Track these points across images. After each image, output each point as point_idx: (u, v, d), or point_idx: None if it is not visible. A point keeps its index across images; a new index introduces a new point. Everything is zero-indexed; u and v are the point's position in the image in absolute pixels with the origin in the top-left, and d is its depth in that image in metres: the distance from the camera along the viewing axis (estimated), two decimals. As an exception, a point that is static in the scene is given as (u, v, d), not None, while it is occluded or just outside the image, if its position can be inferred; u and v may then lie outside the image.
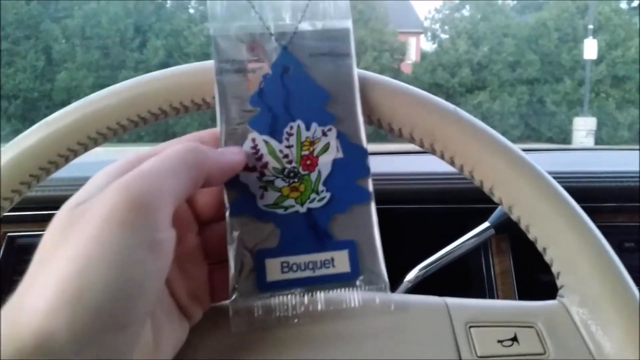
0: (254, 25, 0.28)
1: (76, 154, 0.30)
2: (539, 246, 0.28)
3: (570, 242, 0.27)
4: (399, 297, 0.29)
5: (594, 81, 11.17)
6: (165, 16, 12.00)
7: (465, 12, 13.75)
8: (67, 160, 0.30)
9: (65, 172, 0.37)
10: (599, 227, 0.27)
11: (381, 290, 0.27)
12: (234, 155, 0.26)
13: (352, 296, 0.27)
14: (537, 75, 11.92)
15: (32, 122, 0.31)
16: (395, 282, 0.56)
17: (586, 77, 10.65)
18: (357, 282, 0.27)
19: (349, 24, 0.29)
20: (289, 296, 0.27)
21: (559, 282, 0.28)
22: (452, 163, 0.30)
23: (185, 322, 0.26)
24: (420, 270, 0.56)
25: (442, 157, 0.30)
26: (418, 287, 0.56)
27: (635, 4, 12.82)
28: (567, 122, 11.03)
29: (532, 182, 0.28)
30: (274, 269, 0.27)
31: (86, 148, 0.31)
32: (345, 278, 0.27)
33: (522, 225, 0.29)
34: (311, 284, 0.27)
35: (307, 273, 0.27)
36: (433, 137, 0.29)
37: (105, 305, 0.18)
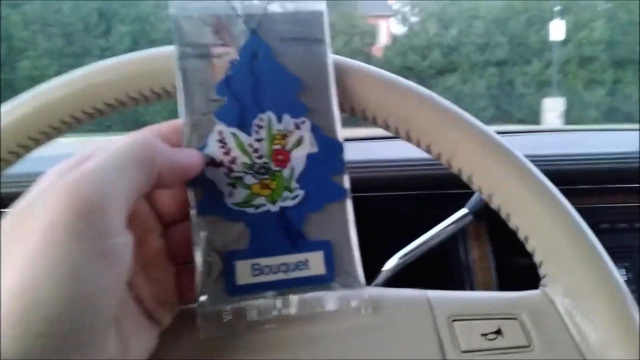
0: (219, 5, 0.26)
1: (28, 149, 0.29)
2: (521, 235, 0.28)
3: (553, 232, 0.26)
4: (378, 292, 0.28)
5: (561, 62, 11.41)
6: (130, 2, 11.72)
7: (435, -6, 13.83)
8: (18, 156, 0.29)
9: (23, 167, 0.35)
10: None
11: (357, 292, 0.26)
12: (190, 157, 0.24)
13: (328, 299, 0.26)
14: (506, 57, 12.10)
15: (-5, 113, 0.29)
16: (374, 271, 0.55)
17: (554, 58, 10.88)
18: (333, 285, 0.26)
19: (322, 6, 0.27)
20: (261, 300, 0.25)
21: (541, 272, 0.27)
22: (428, 151, 0.28)
23: (153, 327, 0.25)
24: (400, 258, 0.56)
25: (418, 145, 0.29)
26: (397, 276, 0.55)
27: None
28: (537, 103, 11.25)
29: (512, 169, 0.27)
30: (244, 271, 0.25)
31: (38, 143, 0.29)
32: (320, 280, 0.26)
33: (503, 214, 0.28)
34: (284, 287, 0.26)
35: (280, 276, 0.26)
36: (408, 124, 0.28)
37: (55, 323, 0.16)
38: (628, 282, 0.61)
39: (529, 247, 0.27)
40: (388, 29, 14.59)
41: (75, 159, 0.21)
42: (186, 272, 0.26)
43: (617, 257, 0.59)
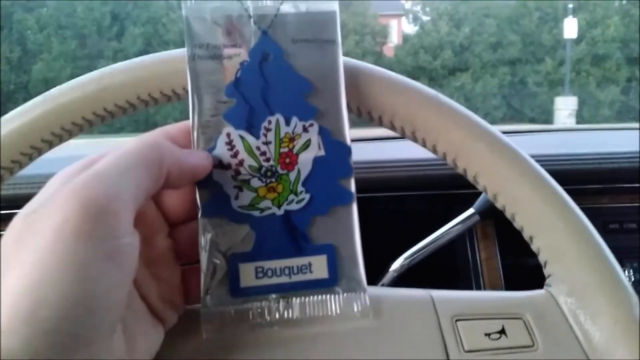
0: (231, 6, 0.26)
1: (40, 151, 0.29)
2: (526, 235, 0.28)
3: (557, 231, 0.26)
4: (382, 292, 0.28)
5: (574, 60, 11.28)
6: (143, 3, 11.80)
7: (446, -7, 13.74)
8: (31, 158, 0.29)
9: (34, 169, 0.36)
10: (583, 210, 0.27)
11: (360, 297, 0.26)
12: (199, 159, 0.24)
13: (329, 302, 0.26)
14: (518, 56, 11.99)
15: (10, 115, 0.30)
16: (380, 272, 0.56)
17: (567, 56, 10.76)
18: (336, 289, 0.26)
19: (335, 6, 0.27)
20: (263, 302, 0.25)
21: (546, 271, 0.27)
22: (434, 151, 0.29)
23: (159, 326, 0.25)
24: (406, 259, 0.56)
25: (424, 145, 0.29)
26: (404, 276, 0.55)
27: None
28: (549, 102, 11.14)
29: (517, 169, 0.27)
30: (247, 274, 0.25)
31: (51, 145, 0.29)
32: (323, 284, 0.26)
33: (508, 214, 0.28)
34: (287, 290, 0.26)
35: (283, 279, 0.26)
36: (414, 125, 0.28)
37: (63, 322, 0.17)
38: (637, 282, 0.60)
39: (534, 246, 0.27)
40: (399, 29, 14.52)
41: (83, 162, 0.21)
42: (192, 272, 0.26)
43: (626, 257, 0.59)
